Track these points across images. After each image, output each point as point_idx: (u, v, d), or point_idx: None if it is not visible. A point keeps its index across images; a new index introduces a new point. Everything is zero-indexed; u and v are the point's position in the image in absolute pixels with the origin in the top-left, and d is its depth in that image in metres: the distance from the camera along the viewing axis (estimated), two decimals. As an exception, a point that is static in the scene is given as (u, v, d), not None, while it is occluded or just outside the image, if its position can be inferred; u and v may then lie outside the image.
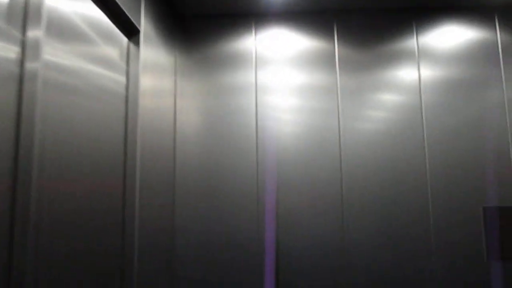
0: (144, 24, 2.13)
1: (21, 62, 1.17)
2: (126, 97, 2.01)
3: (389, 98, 2.65)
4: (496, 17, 2.69)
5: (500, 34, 2.67)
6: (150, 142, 2.18)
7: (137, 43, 2.06)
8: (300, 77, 2.70)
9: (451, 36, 2.70)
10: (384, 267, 2.46)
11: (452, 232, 2.48)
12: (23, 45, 1.18)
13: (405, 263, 2.46)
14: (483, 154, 2.56)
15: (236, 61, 2.73)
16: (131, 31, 2.04)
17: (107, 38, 1.80)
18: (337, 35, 2.75)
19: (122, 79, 1.97)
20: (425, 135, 2.59)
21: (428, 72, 2.67)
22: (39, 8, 1.23)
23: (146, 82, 2.16)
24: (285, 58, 2.73)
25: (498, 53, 2.66)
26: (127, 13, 1.88)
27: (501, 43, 2.66)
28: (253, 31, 2.75)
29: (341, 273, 2.46)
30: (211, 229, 2.56)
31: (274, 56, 2.74)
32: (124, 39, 2.00)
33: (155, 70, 2.32)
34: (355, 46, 2.72)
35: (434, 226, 2.49)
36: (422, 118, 2.61)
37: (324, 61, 2.72)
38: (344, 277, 2.46)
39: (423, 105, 2.62)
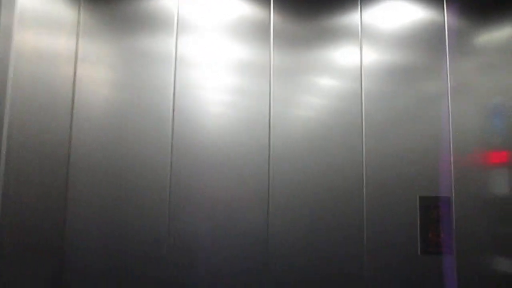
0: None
1: None
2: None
3: (327, 82, 2.36)
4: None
5: (448, 18, 2.46)
6: (28, 120, 1.72)
7: (8, -15, 1.58)
8: (229, 50, 2.32)
9: (397, 14, 2.44)
10: (313, 261, 2.22)
11: (387, 223, 2.29)
12: None
13: (335, 256, 2.24)
14: (424, 143, 2.37)
15: (155, 23, 2.29)
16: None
17: None
18: (274, 1, 2.38)
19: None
20: (363, 125, 2.34)
21: (370, 54, 2.40)
22: None
23: (27, 39, 1.69)
24: (213, 25, 2.33)
25: (444, 38, 2.44)
26: None
27: (448, 28, 2.45)
28: (176, -9, 2.31)
29: (264, 267, 2.19)
30: (111, 231, 2.14)
31: (199, 22, 2.32)
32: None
33: (44, 25, 1.84)
34: (294, 17, 2.38)
35: (368, 218, 2.28)
36: (361, 106, 2.35)
37: (257, 32, 2.35)
38: (267, 271, 2.19)
39: (363, 91, 2.36)
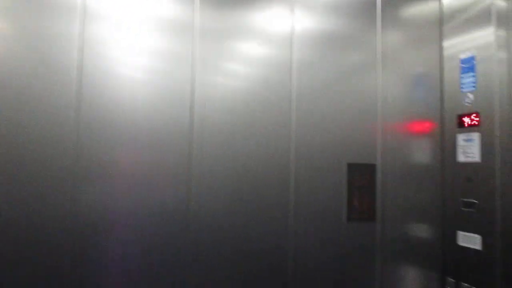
0: None
1: None
2: None
3: (257, 48, 2.22)
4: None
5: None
6: None
7: None
8: (147, 4, 2.08)
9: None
10: (237, 233, 2.12)
11: (315, 191, 2.25)
12: None
13: (261, 224, 2.16)
14: (353, 112, 2.33)
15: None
16: None
17: None
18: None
19: None
20: (292, 93, 2.24)
21: (303, 21, 2.29)
22: None
23: None
24: (128, -23, 2.07)
25: (376, 8, 2.40)
26: None
27: (380, -3, 2.42)
28: None
29: (185, 242, 2.04)
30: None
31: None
32: None
33: None
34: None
35: (296, 185, 2.21)
36: (291, 74, 2.25)
37: (180, -12, 2.13)
38: (189, 246, 2.05)
39: (293, 59, 2.26)
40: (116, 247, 1.95)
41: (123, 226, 1.97)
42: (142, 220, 1.99)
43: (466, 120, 2.28)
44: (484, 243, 2.14)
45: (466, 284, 2.23)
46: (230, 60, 2.18)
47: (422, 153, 2.47)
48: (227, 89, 2.16)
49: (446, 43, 2.48)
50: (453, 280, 2.32)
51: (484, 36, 2.23)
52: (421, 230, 2.42)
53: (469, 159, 2.25)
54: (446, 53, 2.48)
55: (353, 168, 2.31)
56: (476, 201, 2.20)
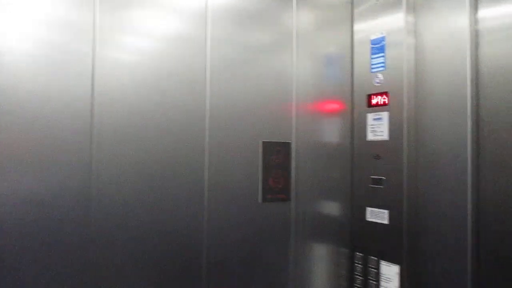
0: None
1: None
2: None
3: (167, 21, 2.01)
4: None
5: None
6: None
7: None
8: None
9: None
10: (149, 216, 1.93)
11: (229, 169, 2.14)
12: None
13: (174, 207, 1.99)
14: (269, 90, 2.26)
15: None
16: None
17: None
18: None
19: None
20: (207, 74, 2.09)
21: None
22: None
23: None
24: None
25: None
26: None
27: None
28: None
29: (84, 228, 1.81)
30: None
31: None
32: None
33: None
34: None
35: (210, 164, 2.07)
36: (205, 52, 2.08)
37: None
38: (90, 233, 1.81)
39: (208, 35, 2.09)
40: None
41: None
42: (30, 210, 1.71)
43: (375, 99, 2.35)
44: (391, 217, 2.24)
45: (374, 258, 2.33)
46: (138, 32, 1.95)
47: (334, 132, 2.50)
48: (136, 66, 1.93)
49: (358, 26, 2.51)
50: (361, 255, 2.41)
51: (394, 21, 2.28)
52: (333, 208, 2.47)
53: (378, 138, 2.33)
54: (357, 35, 2.51)
55: (268, 146, 2.25)
56: (384, 178, 2.29)
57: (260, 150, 2.23)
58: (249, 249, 2.22)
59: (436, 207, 2.09)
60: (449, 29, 2.08)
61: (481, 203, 1.94)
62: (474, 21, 1.98)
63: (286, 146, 2.30)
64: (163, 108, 2.00)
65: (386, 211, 2.26)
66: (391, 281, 2.23)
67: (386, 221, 2.26)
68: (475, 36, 1.98)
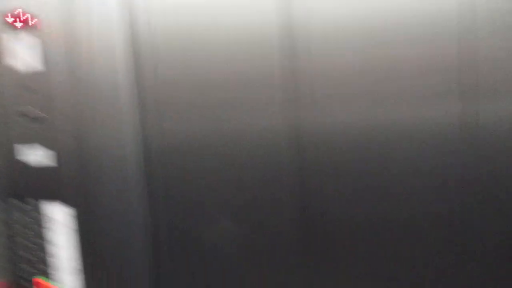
0: None
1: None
2: None
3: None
4: None
5: None
6: None
7: None
8: None
9: None
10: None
11: None
12: None
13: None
14: None
15: None
16: None
17: None
18: None
19: None
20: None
21: None
22: None
23: None
24: None
25: None
26: None
27: None
28: None
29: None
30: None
31: None
32: None
33: None
34: None
35: None
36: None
37: None
38: None
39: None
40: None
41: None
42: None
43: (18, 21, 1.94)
44: (58, 159, 2.06)
45: (33, 200, 2.12)
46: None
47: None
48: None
49: None
50: (17, 200, 2.14)
51: None
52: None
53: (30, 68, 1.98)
54: None
55: None
56: (43, 114, 2.03)
57: None
58: None
59: (103, 149, 2.04)
60: None
61: (147, 142, 2.01)
62: None
63: None
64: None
65: (52, 152, 2.06)
66: (61, 226, 2.11)
67: (53, 163, 2.07)
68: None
